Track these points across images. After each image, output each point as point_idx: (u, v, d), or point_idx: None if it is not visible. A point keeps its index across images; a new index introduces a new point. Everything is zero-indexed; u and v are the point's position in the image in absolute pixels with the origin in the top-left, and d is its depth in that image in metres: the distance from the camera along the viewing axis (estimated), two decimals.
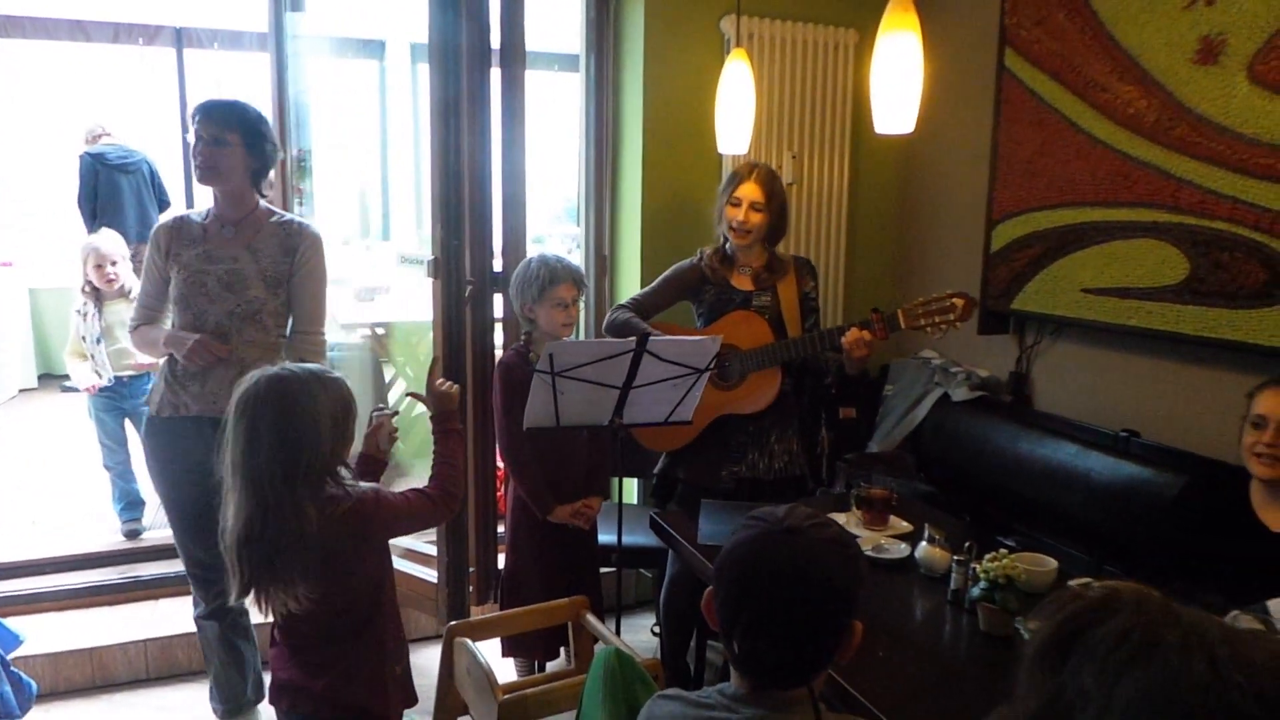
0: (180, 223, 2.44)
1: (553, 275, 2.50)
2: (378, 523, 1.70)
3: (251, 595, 1.64)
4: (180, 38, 5.74)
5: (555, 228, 7.16)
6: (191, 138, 2.35)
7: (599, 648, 1.73)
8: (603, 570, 2.76)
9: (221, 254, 2.38)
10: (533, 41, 4.35)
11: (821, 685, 1.18)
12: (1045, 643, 0.66)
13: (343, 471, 1.69)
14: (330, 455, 1.64)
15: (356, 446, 1.88)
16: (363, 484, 1.72)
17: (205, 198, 3.82)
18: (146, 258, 2.45)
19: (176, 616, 3.08)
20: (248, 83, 5.51)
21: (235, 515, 1.60)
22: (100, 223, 5.02)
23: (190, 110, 2.41)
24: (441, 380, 1.96)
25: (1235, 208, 2.42)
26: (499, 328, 3.00)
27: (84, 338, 3.57)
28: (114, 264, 3.58)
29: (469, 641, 1.88)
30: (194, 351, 2.30)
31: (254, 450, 1.58)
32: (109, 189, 4.92)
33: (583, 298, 2.71)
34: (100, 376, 3.57)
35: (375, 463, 1.96)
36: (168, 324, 2.46)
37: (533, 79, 4.82)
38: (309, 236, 2.45)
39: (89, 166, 4.96)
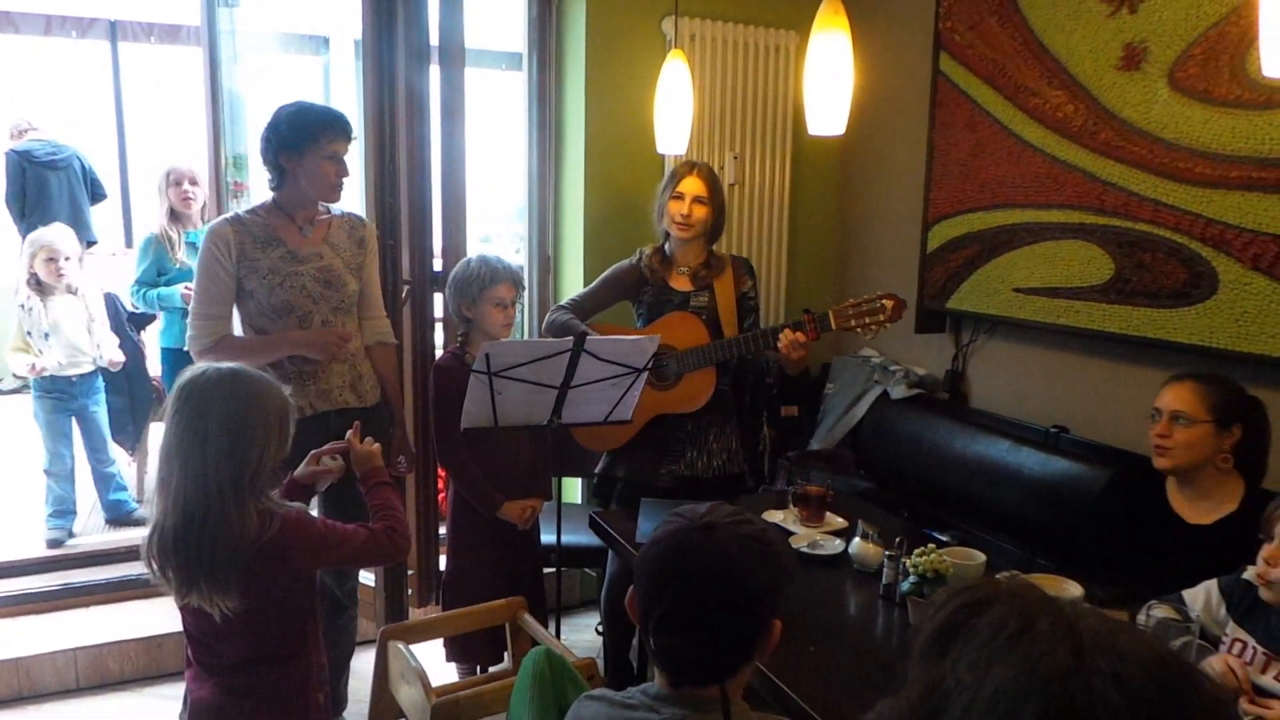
0: (241, 225, 2.33)
1: (493, 275, 2.49)
2: (299, 547, 1.62)
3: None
4: (115, 30, 5.59)
5: (506, 227, 7.11)
6: (327, 156, 2.29)
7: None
8: (546, 570, 2.76)
9: (306, 253, 2.36)
10: (479, 40, 4.33)
11: (744, 682, 1.19)
12: (929, 636, 0.67)
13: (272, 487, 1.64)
14: (272, 462, 1.60)
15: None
16: (289, 503, 1.66)
17: (144, 195, 3.74)
18: (208, 262, 2.29)
19: (108, 625, 3.01)
20: (185, 77, 5.38)
21: (173, 508, 1.53)
22: (30, 221, 4.87)
23: (312, 125, 2.28)
24: (368, 441, 1.88)
25: (1157, 210, 2.49)
26: (439, 327, 2.98)
27: (29, 332, 3.51)
28: (66, 259, 3.53)
29: (401, 644, 1.86)
30: (335, 345, 2.34)
31: (200, 441, 1.52)
32: (37, 187, 4.78)
33: (521, 298, 2.71)
34: (39, 362, 3.49)
35: (306, 492, 1.89)
36: (236, 331, 2.39)
37: (481, 77, 4.80)
38: (370, 227, 2.58)
39: (14, 164, 4.81)
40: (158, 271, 3.69)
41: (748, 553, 1.10)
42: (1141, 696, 0.57)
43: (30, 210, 4.83)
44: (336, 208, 2.50)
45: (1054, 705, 0.57)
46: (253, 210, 2.39)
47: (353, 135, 2.38)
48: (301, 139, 2.28)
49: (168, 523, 1.54)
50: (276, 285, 2.31)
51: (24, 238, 5.06)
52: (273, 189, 2.38)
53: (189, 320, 2.35)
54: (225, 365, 1.61)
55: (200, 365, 1.61)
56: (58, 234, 3.57)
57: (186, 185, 3.69)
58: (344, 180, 2.37)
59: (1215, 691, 0.61)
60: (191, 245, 3.71)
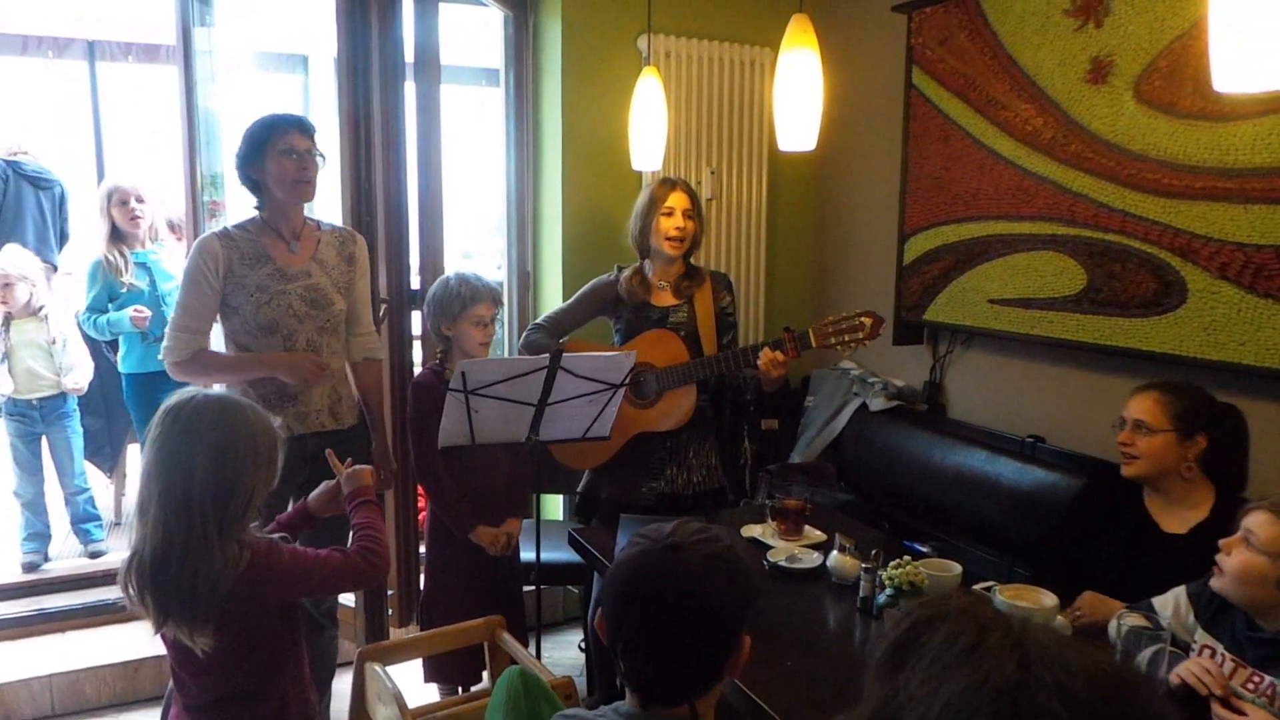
0: (230, 240, 2.31)
1: (474, 294, 2.49)
2: (269, 579, 1.56)
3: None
4: (92, 51, 5.56)
5: (488, 242, 7.11)
6: (282, 152, 2.26)
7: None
8: (527, 588, 2.75)
9: (294, 270, 2.34)
10: (458, 56, 4.33)
11: (716, 699, 1.19)
12: (884, 652, 0.68)
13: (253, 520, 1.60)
14: (260, 495, 1.57)
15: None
16: (260, 535, 1.62)
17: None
18: (194, 276, 2.26)
19: (84, 650, 2.97)
20: (165, 97, 5.36)
21: (152, 534, 1.49)
22: (1, 234, 4.82)
23: (244, 127, 2.28)
24: (355, 467, 1.86)
25: (1126, 220, 2.52)
26: (417, 345, 2.98)
27: None
28: (23, 278, 3.46)
29: (377, 665, 1.85)
30: (312, 372, 2.29)
31: (184, 468, 1.48)
32: (16, 200, 4.72)
33: (500, 315, 2.71)
34: None
35: (311, 520, 1.86)
36: (212, 346, 2.35)
37: (461, 94, 4.81)
38: (360, 241, 2.53)
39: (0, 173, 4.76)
40: (108, 297, 3.58)
41: (714, 571, 1.10)
42: (1085, 709, 0.58)
43: (6, 222, 4.78)
44: (326, 222, 2.49)
45: (1000, 718, 0.58)
46: (242, 226, 2.37)
47: (309, 129, 2.33)
48: (256, 144, 2.29)
49: (146, 549, 1.50)
50: (264, 303, 2.29)
51: None
52: (257, 209, 2.37)
53: (167, 331, 2.31)
54: (214, 392, 1.58)
55: (188, 390, 1.56)
56: (8, 257, 3.47)
57: (134, 204, 3.57)
58: (307, 175, 2.31)
59: (1159, 705, 0.62)
60: (141, 265, 3.63)
